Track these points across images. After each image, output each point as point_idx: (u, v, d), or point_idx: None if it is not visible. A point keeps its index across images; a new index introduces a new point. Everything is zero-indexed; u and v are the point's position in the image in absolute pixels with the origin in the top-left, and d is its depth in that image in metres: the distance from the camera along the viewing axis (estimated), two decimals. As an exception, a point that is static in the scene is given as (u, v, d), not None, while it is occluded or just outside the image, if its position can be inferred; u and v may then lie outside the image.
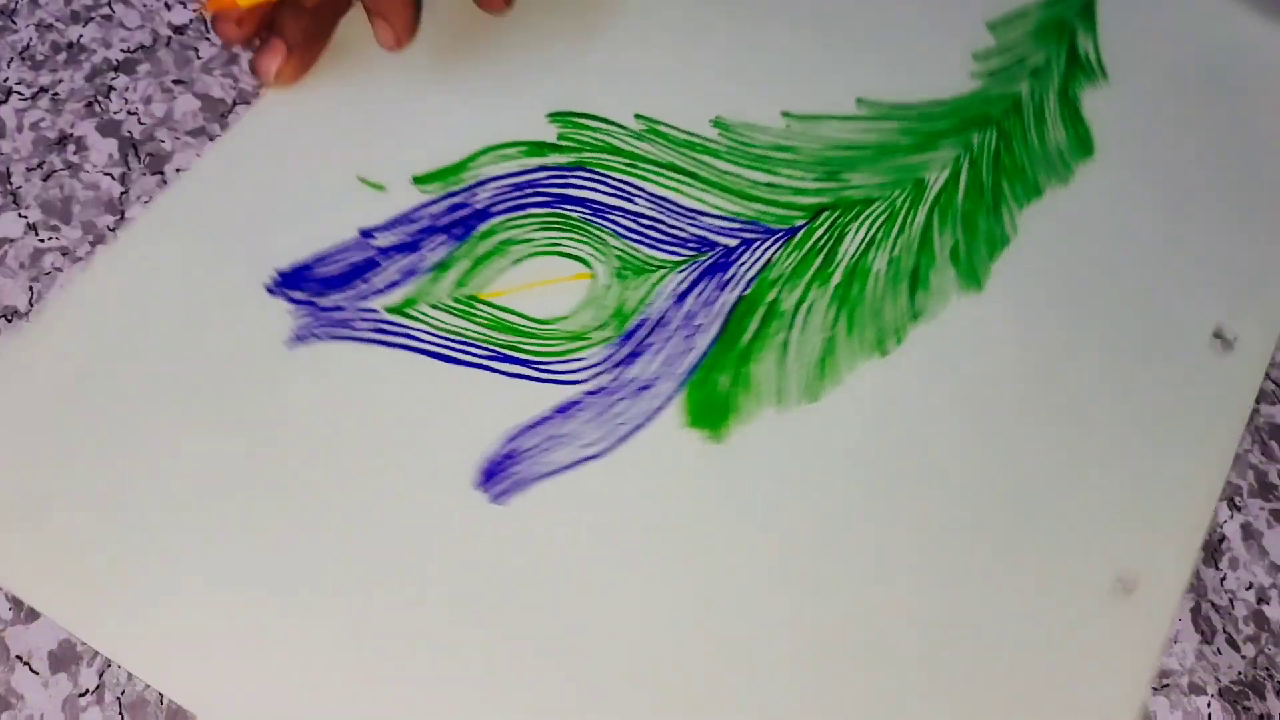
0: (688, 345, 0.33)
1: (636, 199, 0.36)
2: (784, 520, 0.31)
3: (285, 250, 0.34)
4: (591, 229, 0.35)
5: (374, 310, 0.33)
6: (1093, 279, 0.36)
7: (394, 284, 0.34)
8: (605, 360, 0.33)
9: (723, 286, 0.35)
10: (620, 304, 0.34)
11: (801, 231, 0.36)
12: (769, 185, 0.37)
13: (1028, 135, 0.39)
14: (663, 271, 0.35)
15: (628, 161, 0.36)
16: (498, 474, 0.31)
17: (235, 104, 0.38)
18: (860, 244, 0.36)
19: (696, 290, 0.34)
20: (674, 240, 0.35)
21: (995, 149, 0.38)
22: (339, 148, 0.35)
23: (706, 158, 0.37)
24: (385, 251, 0.34)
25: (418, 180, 0.35)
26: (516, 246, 0.34)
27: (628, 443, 0.32)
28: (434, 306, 0.33)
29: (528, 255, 0.34)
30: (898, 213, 0.37)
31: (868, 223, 0.36)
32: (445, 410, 0.32)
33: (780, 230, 0.36)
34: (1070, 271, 0.36)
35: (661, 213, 0.36)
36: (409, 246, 0.34)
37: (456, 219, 0.35)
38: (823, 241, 0.36)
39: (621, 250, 0.35)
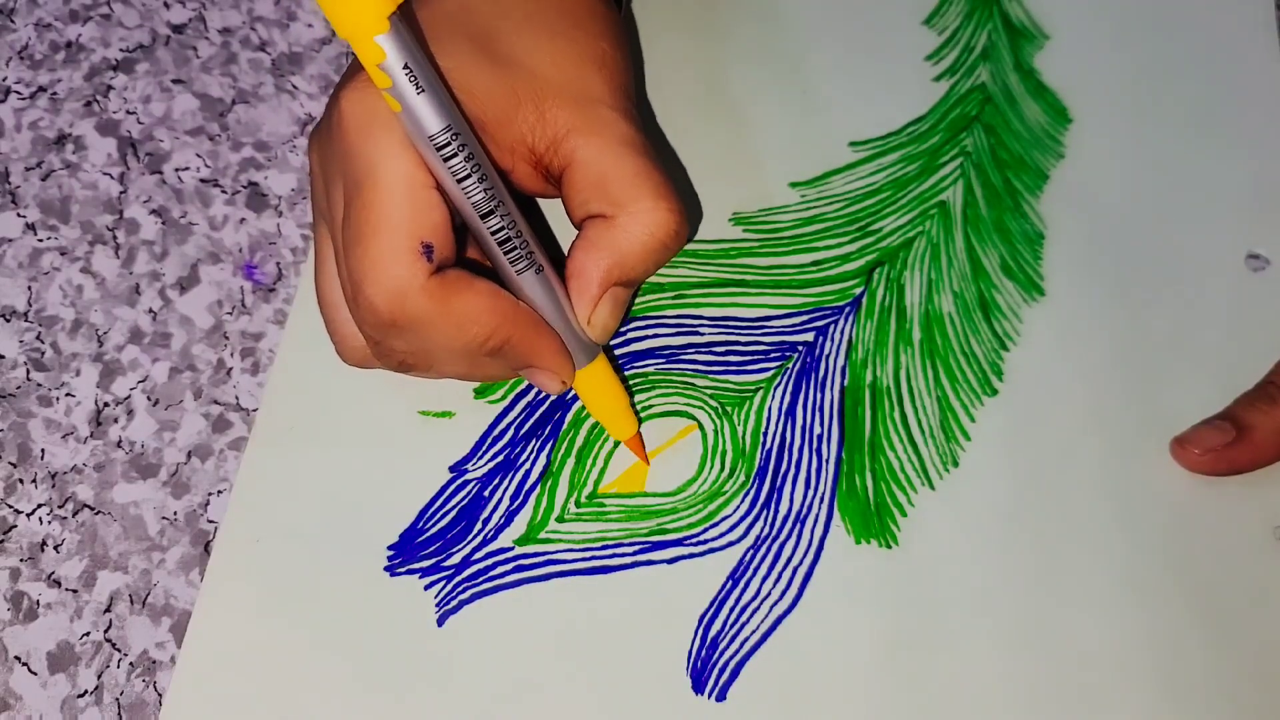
0: (819, 460, 0.33)
1: (700, 329, 0.34)
2: (988, 596, 0.31)
3: (385, 524, 0.31)
4: (674, 377, 0.34)
5: (506, 549, 0.31)
6: (1124, 239, 0.37)
7: (512, 512, 0.31)
8: (751, 508, 0.32)
9: (822, 386, 0.34)
10: (737, 445, 0.33)
11: (864, 298, 0.35)
12: (814, 264, 0.36)
13: (1009, 122, 0.39)
14: (761, 394, 0.33)
15: (673, 295, 0.35)
16: (708, 671, 0.30)
17: (234, 103, 0.38)
18: (922, 291, 0.35)
19: (800, 400, 0.33)
20: (755, 356, 0.34)
21: (989, 146, 0.39)
22: (385, 393, 0.32)
23: (745, 259, 0.36)
24: (485, 481, 0.32)
25: (478, 394, 0.33)
26: (610, 424, 0.33)
27: (811, 583, 0.31)
28: (562, 520, 0.31)
29: (626, 428, 0.33)
30: (938, 245, 0.36)
31: (918, 266, 0.36)
32: (624, 623, 0.30)
33: (845, 305, 0.35)
34: (1105, 241, 0.37)
35: (730, 333, 0.34)
36: (506, 465, 0.32)
37: (538, 417, 0.33)
38: (888, 301, 0.35)
39: (712, 388, 0.33)
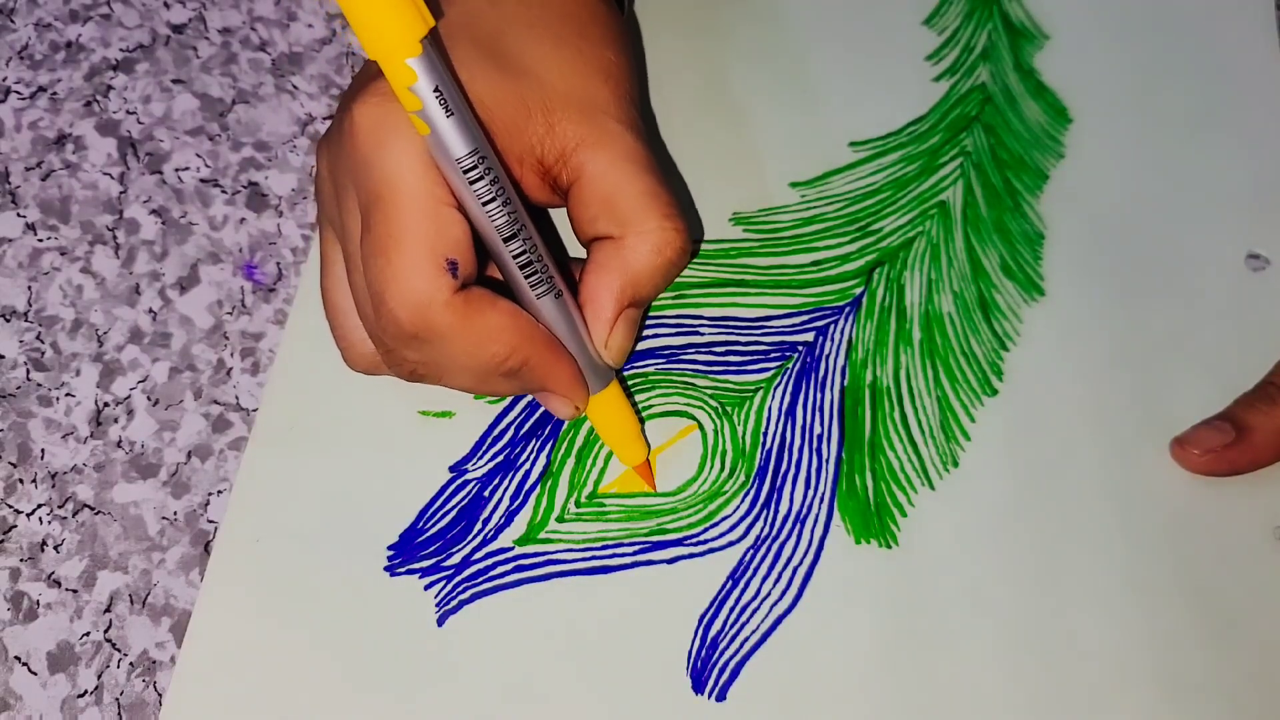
0: (819, 460, 0.33)
1: (700, 329, 0.34)
2: (988, 596, 0.31)
3: (385, 524, 0.31)
4: (674, 377, 0.34)
5: (506, 549, 0.31)
6: (1124, 239, 0.37)
7: (512, 512, 0.31)
8: (751, 508, 0.32)
9: (822, 386, 0.34)
10: (738, 444, 0.33)
11: (864, 298, 0.35)
12: (814, 264, 0.36)
13: (1009, 122, 0.39)
14: (761, 394, 0.33)
15: (674, 294, 0.35)
16: (708, 671, 0.30)
17: (234, 103, 0.38)
18: (922, 291, 0.35)
19: (801, 400, 0.33)
20: (755, 356, 0.34)
21: (989, 146, 0.39)
22: (386, 393, 0.32)
23: (745, 259, 0.36)
24: (485, 481, 0.32)
25: (479, 394, 0.33)
26: (610, 424, 0.33)
27: (811, 583, 0.31)
28: (562, 520, 0.31)
29: (626, 429, 0.33)
30: (938, 245, 0.36)
31: (918, 266, 0.36)
32: (624, 623, 0.30)
33: (845, 305, 0.35)
34: (1105, 241, 0.37)
35: (730, 333, 0.34)
36: (506, 465, 0.32)
37: (538, 418, 0.33)
38: (888, 301, 0.35)
39: (712, 388, 0.33)
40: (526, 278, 0.27)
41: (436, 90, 0.25)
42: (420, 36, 0.24)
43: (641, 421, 0.33)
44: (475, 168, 0.26)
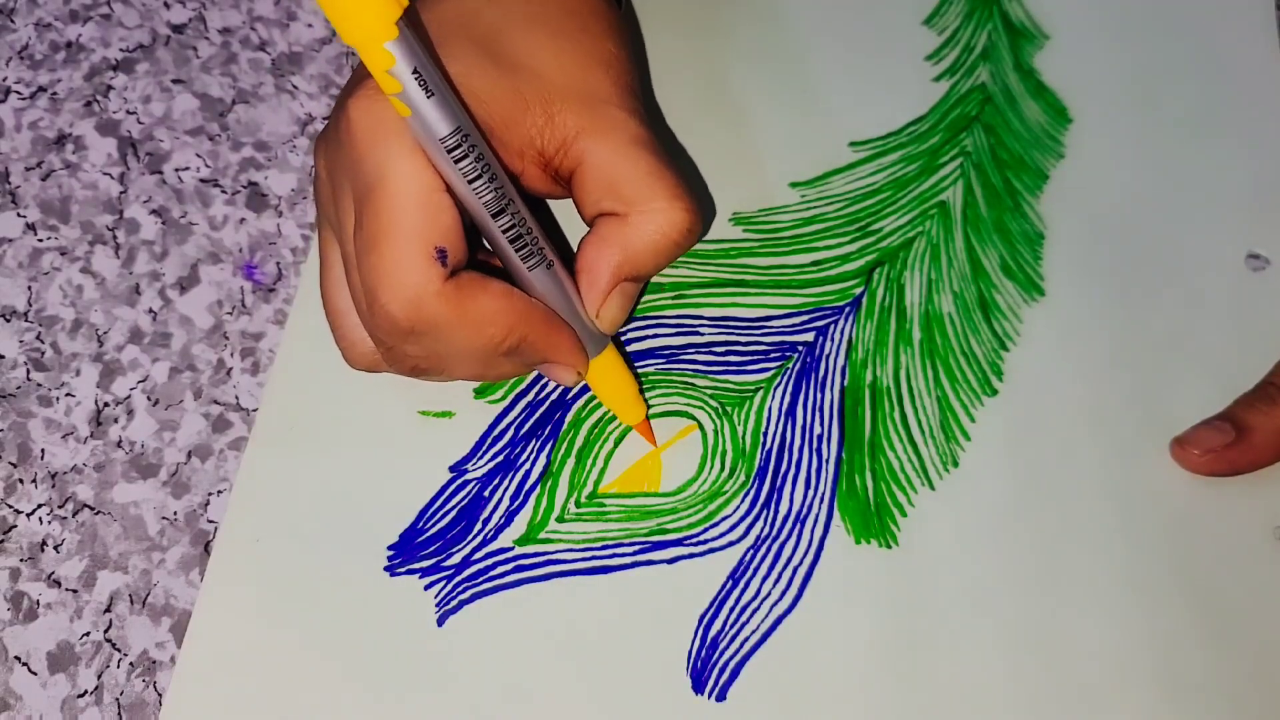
0: (819, 460, 0.33)
1: (700, 329, 0.34)
2: (988, 596, 0.31)
3: (385, 524, 0.31)
4: (674, 377, 0.34)
5: (506, 549, 0.31)
6: (1124, 239, 0.37)
7: (511, 512, 0.31)
8: (751, 508, 0.32)
9: (822, 386, 0.34)
10: (738, 444, 0.33)
11: (864, 298, 0.35)
12: (814, 264, 0.36)
13: (1009, 122, 0.39)
14: (761, 394, 0.33)
15: (673, 295, 0.35)
16: (708, 671, 0.30)
17: (234, 103, 0.38)
18: (922, 291, 0.35)
19: (801, 400, 0.33)
20: (755, 356, 0.34)
21: (989, 146, 0.39)
22: (385, 393, 0.32)
23: (745, 259, 0.36)
24: (485, 481, 0.32)
25: (478, 394, 0.33)
26: (610, 425, 0.33)
27: (811, 583, 0.31)
28: (562, 520, 0.31)
29: (625, 430, 0.33)
30: (938, 245, 0.36)
31: (918, 266, 0.36)
32: (624, 623, 0.30)
33: (845, 305, 0.35)
34: (1105, 241, 0.37)
35: (730, 333, 0.34)
36: (506, 465, 0.32)
37: (538, 418, 0.33)
38: (888, 301, 0.35)
39: (713, 388, 0.33)
40: (517, 250, 0.27)
41: (415, 72, 0.25)
42: (395, 19, 0.24)
43: (638, 379, 0.33)
44: (459, 146, 0.26)
